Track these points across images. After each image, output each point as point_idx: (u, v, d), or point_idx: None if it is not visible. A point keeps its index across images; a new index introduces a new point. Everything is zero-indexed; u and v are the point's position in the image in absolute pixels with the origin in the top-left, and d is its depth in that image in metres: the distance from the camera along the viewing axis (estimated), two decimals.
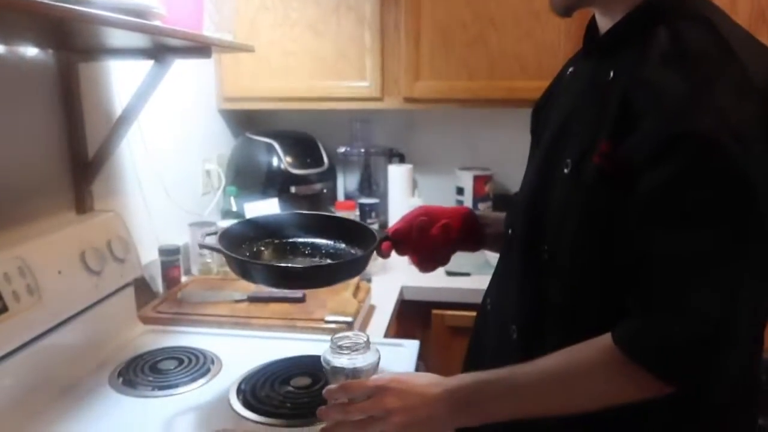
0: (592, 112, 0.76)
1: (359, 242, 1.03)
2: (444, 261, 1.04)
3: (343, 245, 1.07)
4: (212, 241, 0.98)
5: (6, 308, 0.94)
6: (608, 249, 0.71)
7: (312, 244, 1.08)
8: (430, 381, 0.79)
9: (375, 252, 1.00)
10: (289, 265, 1.01)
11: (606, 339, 0.70)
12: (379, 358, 0.87)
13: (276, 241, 1.08)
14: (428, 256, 1.02)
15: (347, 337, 0.87)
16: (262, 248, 1.06)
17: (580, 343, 0.72)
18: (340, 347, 0.85)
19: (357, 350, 0.85)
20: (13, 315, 0.95)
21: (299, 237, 1.09)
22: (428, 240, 0.99)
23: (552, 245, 0.78)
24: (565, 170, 0.76)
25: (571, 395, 0.73)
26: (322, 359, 0.86)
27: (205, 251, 1.61)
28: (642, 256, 0.68)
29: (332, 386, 0.82)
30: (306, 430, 0.93)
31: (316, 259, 1.06)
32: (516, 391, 0.75)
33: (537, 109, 0.99)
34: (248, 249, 1.04)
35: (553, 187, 0.79)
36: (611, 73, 0.74)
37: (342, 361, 0.84)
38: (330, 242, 1.08)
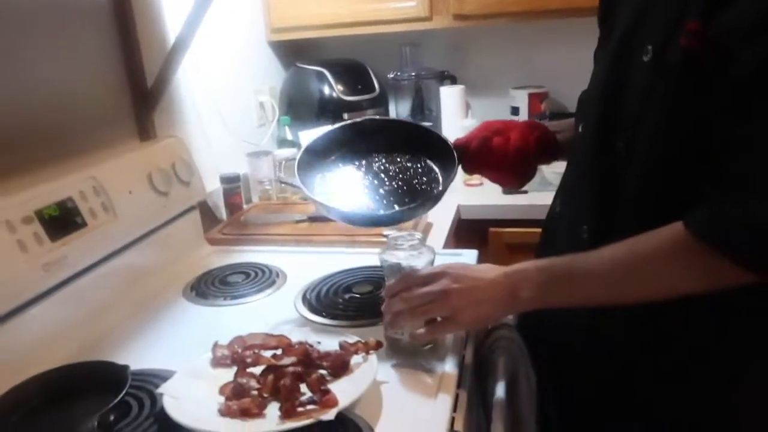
0: None
1: (432, 152, 0.98)
2: (522, 174, 0.98)
3: (419, 161, 1.01)
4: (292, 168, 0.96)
5: (85, 223, 1.00)
6: (691, 137, 0.67)
7: (387, 161, 1.01)
8: (488, 267, 0.80)
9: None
10: (379, 212, 0.94)
11: (676, 226, 0.67)
12: (435, 257, 0.88)
13: (349, 157, 1.01)
14: (502, 169, 0.97)
15: (403, 236, 0.88)
16: (339, 164, 1.01)
17: (649, 232, 0.70)
18: (397, 245, 0.87)
19: (413, 248, 0.87)
20: (92, 229, 1.01)
21: (373, 152, 1.02)
22: (493, 152, 0.95)
23: (629, 137, 0.74)
24: (645, 57, 0.72)
25: (638, 281, 0.71)
26: (379, 258, 0.88)
27: (264, 179, 1.66)
28: (729, 139, 0.64)
29: (391, 282, 0.84)
30: (369, 331, 0.95)
31: (389, 184, 0.98)
32: (576, 274, 0.74)
33: None
34: (325, 166, 1.00)
35: (632, 75, 0.75)
36: None
37: (398, 257, 0.86)
38: (406, 157, 1.01)
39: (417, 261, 0.86)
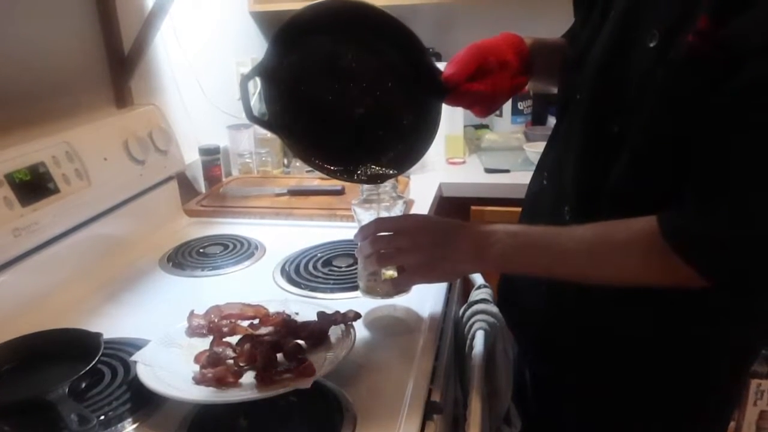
0: None
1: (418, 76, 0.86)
2: (496, 108, 0.96)
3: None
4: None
5: (58, 189, 0.98)
6: (683, 136, 0.66)
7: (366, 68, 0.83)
8: (460, 223, 0.79)
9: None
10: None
11: (650, 221, 0.67)
12: (406, 208, 0.87)
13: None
14: (482, 105, 0.93)
15: (376, 188, 0.86)
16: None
17: (623, 220, 0.70)
18: (371, 196, 0.85)
19: (384, 197, 0.85)
20: (64, 196, 0.98)
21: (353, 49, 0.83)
22: (481, 93, 0.89)
23: (625, 120, 0.73)
24: (650, 43, 0.70)
25: (600, 265, 0.71)
26: (352, 208, 0.87)
27: (244, 152, 1.63)
28: (714, 147, 0.63)
29: (364, 224, 0.83)
30: (349, 303, 0.94)
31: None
32: (543, 245, 0.74)
33: None
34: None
35: (634, 58, 0.73)
36: None
37: (372, 208, 0.85)
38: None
39: (387, 213, 0.85)
